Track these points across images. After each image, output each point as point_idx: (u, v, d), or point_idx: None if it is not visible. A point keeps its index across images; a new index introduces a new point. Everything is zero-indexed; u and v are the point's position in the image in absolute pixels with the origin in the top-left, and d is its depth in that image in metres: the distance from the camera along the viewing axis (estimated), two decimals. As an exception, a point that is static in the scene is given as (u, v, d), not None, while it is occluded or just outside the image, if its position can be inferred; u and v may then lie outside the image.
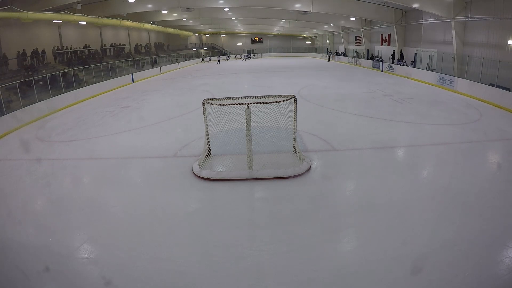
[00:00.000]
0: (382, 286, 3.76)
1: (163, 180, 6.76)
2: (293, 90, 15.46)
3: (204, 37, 51.40)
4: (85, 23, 21.83)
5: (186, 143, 8.76)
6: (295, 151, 7.44)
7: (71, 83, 16.94)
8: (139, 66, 27.03)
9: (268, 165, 6.71)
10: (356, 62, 30.10)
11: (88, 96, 17.47)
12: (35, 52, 18.68)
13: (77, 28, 23.47)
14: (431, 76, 17.70)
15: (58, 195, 6.35)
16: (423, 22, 20.22)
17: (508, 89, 11.83)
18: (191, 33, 46.15)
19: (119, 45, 29.49)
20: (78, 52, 23.24)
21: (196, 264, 4.21)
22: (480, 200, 5.49)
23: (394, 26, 23.18)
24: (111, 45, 28.13)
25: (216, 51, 50.33)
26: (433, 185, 6.20)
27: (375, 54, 27.88)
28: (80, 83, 17.93)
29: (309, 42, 52.80)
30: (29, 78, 14.31)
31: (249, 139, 6.46)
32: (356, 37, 32.74)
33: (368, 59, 28.39)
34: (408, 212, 5.23)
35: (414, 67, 20.42)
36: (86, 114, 13.58)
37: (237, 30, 48.70)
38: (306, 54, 48.59)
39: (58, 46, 21.66)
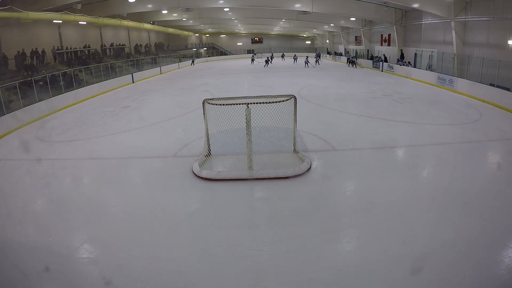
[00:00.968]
0: (382, 286, 3.76)
1: (163, 180, 6.76)
2: (293, 90, 15.46)
3: (204, 37, 51.41)
4: (85, 23, 21.83)
5: (186, 143, 8.76)
6: (295, 151, 7.44)
7: (71, 83, 16.93)
8: (139, 66, 27.03)
9: (268, 165, 6.71)
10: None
11: (88, 96, 17.47)
12: (34, 52, 18.68)
13: (77, 28, 23.47)
14: (431, 76, 17.70)
15: (58, 195, 6.35)
16: (423, 22, 20.22)
17: (508, 89, 11.83)
18: (191, 33, 46.16)
19: (119, 45, 29.49)
20: (78, 52, 23.24)
21: (196, 264, 4.21)
22: (480, 200, 5.49)
23: (394, 26, 23.18)
24: (111, 45, 28.13)
25: (216, 51, 50.36)
26: (433, 185, 6.20)
27: (375, 54, 27.86)
28: (80, 83, 17.93)
29: (309, 42, 52.80)
30: (29, 78, 14.31)
31: (249, 139, 6.46)
32: (356, 37, 32.74)
33: (368, 59, 28.36)
34: (408, 212, 5.22)
35: (414, 67, 20.42)
36: (86, 114, 13.58)
37: (237, 30, 48.70)
38: (306, 54, 48.49)
39: (58, 46, 21.66)
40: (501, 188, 5.88)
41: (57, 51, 21.30)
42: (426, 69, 19.06)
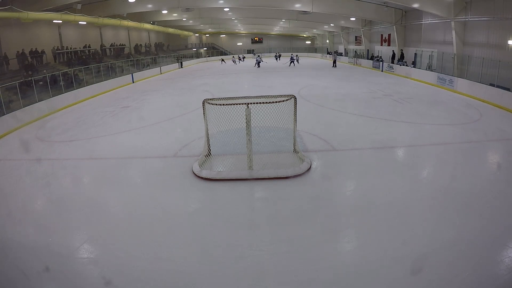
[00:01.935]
0: (382, 286, 3.76)
1: (163, 180, 6.76)
2: (293, 90, 15.47)
3: (204, 37, 51.41)
4: (85, 23, 21.82)
5: (186, 143, 8.76)
6: (295, 151, 7.44)
7: (71, 83, 16.93)
8: (139, 66, 27.03)
9: (268, 165, 6.71)
10: (356, 62, 30.11)
11: (88, 96, 17.47)
12: (34, 52, 18.68)
13: (77, 28, 23.47)
14: (431, 76, 17.71)
15: (58, 195, 6.35)
16: (423, 22, 20.22)
17: (508, 89, 11.83)
18: (191, 33, 46.16)
19: (119, 45, 29.49)
20: (78, 52, 23.24)
21: (196, 264, 4.21)
22: (480, 200, 5.49)
23: (394, 26, 23.18)
24: (111, 45, 28.13)
25: (216, 51, 50.37)
26: (433, 185, 6.20)
27: (375, 54, 27.88)
28: (80, 83, 17.93)
29: (309, 42, 52.81)
30: (29, 78, 14.31)
31: (249, 139, 6.46)
32: (356, 37, 32.74)
33: (368, 59, 28.39)
34: (408, 212, 5.22)
35: (414, 67, 20.43)
36: (86, 114, 13.58)
37: (237, 30, 48.70)
38: (306, 54, 48.58)
39: (58, 46, 21.66)
40: (501, 188, 5.88)
41: (57, 51, 21.30)
42: (426, 69, 19.06)
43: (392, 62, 23.55)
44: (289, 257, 4.25)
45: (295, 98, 6.73)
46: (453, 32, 16.67)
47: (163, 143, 8.95)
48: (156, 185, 6.57)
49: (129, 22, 26.55)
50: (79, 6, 19.00)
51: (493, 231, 4.60)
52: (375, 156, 7.75)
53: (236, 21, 36.97)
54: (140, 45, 33.81)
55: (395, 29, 23.27)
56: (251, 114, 6.34)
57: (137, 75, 24.74)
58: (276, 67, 31.04)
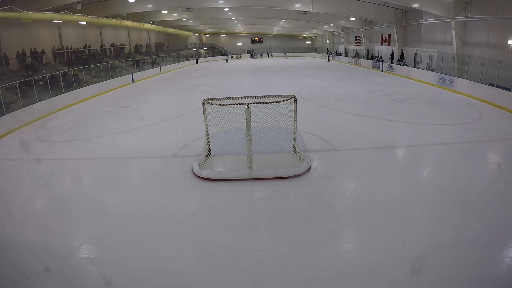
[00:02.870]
0: (382, 286, 3.76)
1: (163, 180, 6.76)
2: (293, 90, 15.46)
3: (204, 37, 51.42)
4: (85, 23, 21.83)
5: (186, 143, 8.76)
6: (295, 151, 7.44)
7: (71, 83, 16.93)
8: (139, 66, 27.03)
9: (268, 165, 6.71)
10: (356, 62, 30.14)
11: (88, 96, 17.47)
12: (34, 52, 18.68)
13: (77, 28, 23.48)
14: (431, 76, 17.70)
15: (58, 195, 6.35)
16: (423, 22, 20.23)
17: (508, 89, 11.83)
18: (191, 33, 46.17)
19: (119, 45, 29.49)
20: (78, 52, 23.24)
21: (196, 264, 4.21)
22: (480, 200, 5.49)
23: (394, 26, 23.18)
24: (111, 45, 28.13)
25: (216, 51, 50.38)
26: (433, 185, 6.20)
27: (375, 54, 27.89)
28: (80, 83, 17.93)
29: (309, 42, 52.81)
30: (29, 78, 14.31)
31: (249, 139, 6.45)
32: (356, 37, 32.75)
33: (368, 59, 28.40)
34: (408, 212, 5.22)
35: (414, 67, 20.43)
36: (86, 114, 13.58)
37: (237, 30, 48.72)
38: (306, 54, 48.61)
39: (58, 46, 21.67)
40: (501, 188, 5.88)
41: (57, 51, 21.30)
42: (426, 69, 19.06)
43: (392, 62, 23.56)
44: (289, 257, 4.25)
45: (295, 98, 6.73)
46: (453, 32, 16.67)
47: (163, 143, 8.95)
48: (156, 185, 6.57)
49: (129, 22, 26.55)
50: (79, 6, 19.00)
51: (493, 231, 4.60)
52: (375, 156, 7.75)
53: (236, 21, 36.98)
54: (140, 45, 33.81)
55: (395, 29, 23.27)
56: (251, 114, 6.34)
57: (137, 75, 24.74)
58: (276, 67, 31.02)
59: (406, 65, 21.26)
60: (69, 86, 16.61)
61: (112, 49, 28.05)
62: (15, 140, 10.42)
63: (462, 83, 14.82)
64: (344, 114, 11.67)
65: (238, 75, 25.76)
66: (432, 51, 19.12)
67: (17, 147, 9.72)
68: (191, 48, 46.64)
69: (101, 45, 26.78)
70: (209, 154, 7.42)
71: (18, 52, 17.55)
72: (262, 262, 4.20)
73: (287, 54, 46.70)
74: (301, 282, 3.84)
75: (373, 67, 26.29)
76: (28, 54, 18.14)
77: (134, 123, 11.55)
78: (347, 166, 7.21)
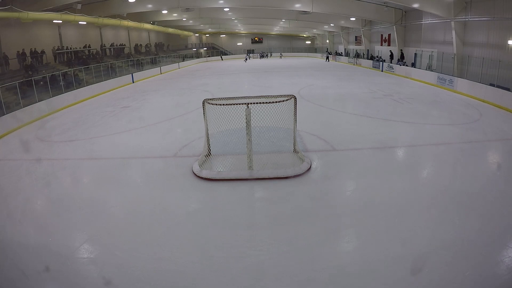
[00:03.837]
0: (382, 286, 3.76)
1: (163, 180, 6.76)
2: (293, 90, 15.47)
3: (204, 37, 51.41)
4: (85, 23, 21.84)
5: (186, 143, 8.76)
6: (295, 151, 7.44)
7: (71, 83, 16.94)
8: (139, 66, 27.04)
9: (268, 165, 6.71)
10: (356, 62, 30.15)
11: (88, 96, 17.47)
12: (34, 52, 18.68)
13: (77, 28, 23.47)
14: (431, 76, 17.71)
15: (58, 195, 6.35)
16: (423, 22, 20.23)
17: (508, 89, 11.83)
18: (191, 33, 46.17)
19: (119, 45, 29.49)
20: (78, 52, 23.24)
21: (196, 264, 4.21)
22: (480, 200, 5.49)
23: (394, 26, 23.18)
24: (111, 45, 28.13)
25: (216, 51, 50.39)
26: (433, 185, 6.20)
27: (375, 54, 27.89)
28: (80, 83, 17.93)
29: (309, 42, 52.81)
30: (29, 78, 14.31)
31: (249, 139, 6.45)
32: (356, 37, 32.76)
33: (368, 59, 28.41)
34: (408, 212, 5.22)
35: (414, 67, 20.43)
36: (86, 114, 13.58)
37: (237, 30, 48.71)
38: (306, 54, 48.63)
39: (58, 46, 21.67)
40: (501, 188, 5.88)
41: (57, 51, 21.31)
42: (426, 69, 19.06)
43: (391, 62, 23.56)
44: (289, 257, 4.25)
45: (295, 98, 6.73)
46: (453, 32, 16.67)
47: (163, 143, 8.95)
48: (156, 185, 6.56)
49: (129, 22, 26.56)
50: (79, 6, 18.99)
51: (493, 231, 4.60)
52: (375, 156, 7.75)
53: (236, 21, 37.00)
54: (140, 45, 33.81)
55: (395, 29, 23.27)
56: (251, 114, 6.33)
57: (137, 75, 24.74)
58: (276, 67, 31.02)
59: (406, 65, 21.25)
60: (69, 86, 16.61)
61: (112, 49, 28.05)
62: (15, 140, 10.42)
63: (462, 83, 14.82)
64: (344, 114, 11.67)
65: (238, 75, 25.76)
66: (432, 51, 19.12)
67: (17, 147, 9.71)
68: (191, 48, 46.66)
69: (101, 45, 26.79)
70: (209, 154, 7.42)
71: (18, 52, 17.55)
72: (262, 262, 4.20)
73: (283, 54, 47.62)
74: (301, 282, 3.84)
75: (373, 67, 26.30)
76: (28, 54, 18.13)
77: (134, 123, 11.55)
78: (347, 166, 7.21)
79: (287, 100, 6.53)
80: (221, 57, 47.41)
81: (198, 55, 44.51)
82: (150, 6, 22.34)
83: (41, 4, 17.12)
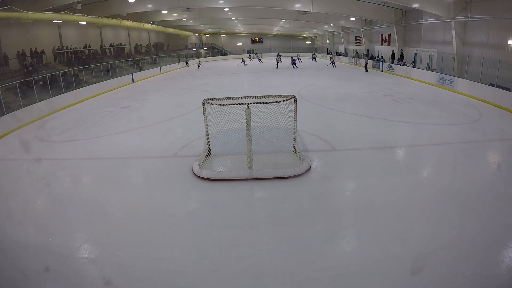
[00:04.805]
0: (382, 286, 3.76)
1: (163, 180, 6.76)
2: (293, 90, 15.47)
3: (204, 37, 51.41)
4: (85, 23, 21.84)
5: (186, 143, 8.76)
6: (295, 151, 7.44)
7: (71, 83, 16.93)
8: (139, 66, 27.04)
9: (268, 165, 6.71)
10: (356, 62, 30.15)
11: (88, 96, 17.48)
12: (34, 52, 18.67)
13: (77, 28, 23.47)
14: (431, 76, 17.71)
15: (58, 195, 6.35)
16: (423, 22, 20.22)
17: (508, 89, 11.83)
18: (191, 33, 46.17)
19: (119, 45, 29.49)
20: (78, 52, 23.24)
21: (196, 264, 4.21)
22: (480, 200, 5.49)
23: (394, 26, 23.18)
24: (111, 45, 28.13)
25: (216, 51, 50.40)
26: (433, 185, 6.20)
27: (375, 54, 27.88)
28: (80, 83, 17.93)
29: (309, 42, 52.80)
30: (29, 78, 14.31)
31: (249, 139, 6.45)
32: (356, 37, 32.74)
33: (368, 59, 28.38)
34: (408, 212, 5.23)
35: (414, 67, 20.43)
36: (86, 114, 13.58)
37: (237, 30, 48.70)
38: (306, 54, 48.57)
39: (58, 46, 21.66)
40: (501, 188, 5.88)
41: (57, 51, 21.30)
42: (426, 69, 19.06)
43: (392, 62, 23.55)
44: (289, 257, 4.25)
45: (295, 98, 6.73)
46: (453, 32, 16.67)
47: (163, 143, 8.95)
48: (156, 185, 6.57)
49: (129, 22, 26.56)
50: (79, 6, 18.99)
51: (493, 231, 4.60)
52: (375, 156, 7.75)
53: (236, 21, 36.97)
54: (140, 45, 33.81)
55: (395, 29, 23.27)
56: (251, 114, 6.33)
57: (137, 75, 24.74)
58: (275, 67, 31.00)
59: (406, 65, 21.25)
60: (69, 86, 16.60)
61: (112, 49, 28.05)
62: (15, 140, 10.42)
63: (462, 83, 14.82)
64: (344, 114, 11.67)
65: (238, 75, 25.76)
66: (432, 51, 19.12)
67: (17, 147, 9.71)
68: (191, 48, 46.65)
69: (101, 45, 26.78)
70: (209, 154, 7.42)
71: (18, 52, 17.54)
72: (262, 262, 4.20)
73: (281, 54, 43.55)
74: (301, 282, 3.84)
75: (373, 67, 26.29)
76: (28, 54, 18.13)
77: (134, 123, 11.55)
78: (347, 166, 7.21)
79: (287, 100, 6.53)
80: (186, 62, 36.87)
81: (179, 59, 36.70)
82: (150, 6, 22.33)
83: (41, 4, 17.11)
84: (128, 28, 30.24)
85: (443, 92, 15.45)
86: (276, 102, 6.41)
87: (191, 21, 35.30)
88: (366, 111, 11.89)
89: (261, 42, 52.82)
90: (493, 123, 9.95)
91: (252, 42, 52.86)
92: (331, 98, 14.49)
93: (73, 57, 22.34)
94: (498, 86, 12.36)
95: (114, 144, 9.31)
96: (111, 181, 6.89)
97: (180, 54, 39.01)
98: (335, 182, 6.48)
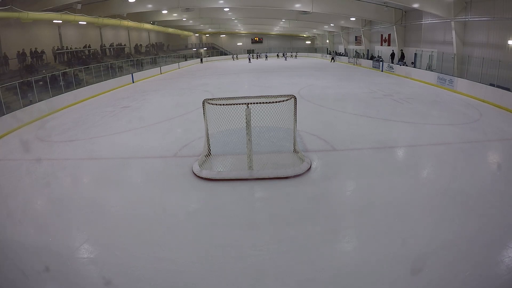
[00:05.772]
0: (382, 286, 3.76)
1: (163, 180, 6.76)
2: (293, 90, 15.47)
3: (204, 37, 51.41)
4: (85, 23, 21.84)
5: (186, 143, 8.76)
6: (295, 151, 7.44)
7: (71, 83, 16.94)
8: (139, 66, 27.04)
9: (268, 165, 6.71)
10: (356, 62, 30.16)
11: (88, 96, 17.48)
12: (34, 52, 18.67)
13: (77, 28, 23.48)
14: (431, 76, 17.70)
15: (58, 195, 6.35)
16: (423, 22, 20.23)
17: (508, 89, 11.83)
18: (191, 33, 46.18)
19: (119, 45, 29.49)
20: (78, 52, 23.24)
21: (196, 264, 4.21)
22: (480, 200, 5.49)
23: (394, 26, 23.18)
24: (111, 45, 28.13)
25: (216, 51, 50.40)
26: (433, 185, 6.20)
27: (375, 54, 27.88)
28: (80, 83, 17.94)
29: (309, 42, 52.81)
30: (29, 78, 14.31)
31: (249, 139, 6.45)
32: (356, 37, 32.75)
33: (368, 59, 28.40)
34: (408, 212, 5.22)
35: (414, 67, 20.43)
36: (86, 114, 13.58)
37: (237, 30, 48.72)
38: (306, 54, 48.62)
39: (58, 46, 21.67)
40: (501, 188, 5.88)
41: (57, 51, 21.30)
42: (426, 69, 19.06)
43: (392, 62, 23.56)
44: (289, 257, 4.25)
45: (295, 98, 6.73)
46: (453, 32, 16.67)
47: (163, 143, 8.95)
48: (156, 185, 6.57)
49: (129, 22, 26.56)
50: (79, 6, 19.00)
51: (493, 231, 4.60)
52: (375, 156, 7.75)
53: (236, 21, 36.99)
54: (140, 45, 33.80)
55: (395, 29, 23.27)
56: (251, 114, 6.33)
57: (137, 75, 24.74)
58: (275, 67, 31.02)
59: (406, 65, 21.25)
60: (69, 86, 16.61)
61: (112, 49, 28.05)
62: (15, 140, 10.42)
63: (462, 83, 14.82)
64: (344, 114, 11.67)
65: (238, 75, 25.76)
66: (432, 51, 19.11)
67: (17, 147, 9.71)
68: (191, 48, 46.65)
69: (101, 45, 26.79)
70: (209, 154, 7.42)
71: (18, 52, 17.55)
72: (262, 262, 4.20)
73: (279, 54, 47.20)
74: (301, 282, 3.84)
75: (373, 67, 26.29)
76: (28, 54, 18.13)
77: (134, 123, 11.55)
78: (347, 166, 7.21)
79: (287, 100, 6.53)
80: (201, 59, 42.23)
81: (186, 58, 39.87)
82: (150, 6, 22.34)
83: (41, 4, 17.11)
84: (128, 28, 30.25)
85: (443, 92, 15.45)
86: (276, 102, 6.41)
87: (191, 21, 35.30)
88: (366, 111, 11.89)
89: (261, 42, 52.84)
90: (493, 123, 9.95)
91: (252, 42, 52.88)
92: (331, 98, 14.49)
93: (73, 57, 22.34)
94: (498, 86, 12.36)
95: (114, 144, 9.30)
96: (111, 181, 6.89)
97: (180, 54, 39.03)
98: (335, 182, 6.48)
